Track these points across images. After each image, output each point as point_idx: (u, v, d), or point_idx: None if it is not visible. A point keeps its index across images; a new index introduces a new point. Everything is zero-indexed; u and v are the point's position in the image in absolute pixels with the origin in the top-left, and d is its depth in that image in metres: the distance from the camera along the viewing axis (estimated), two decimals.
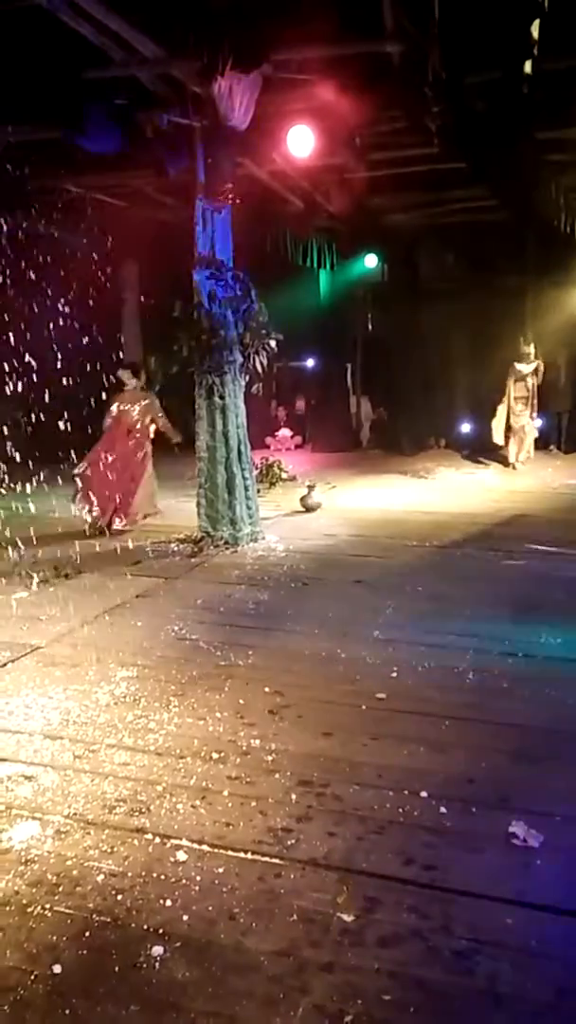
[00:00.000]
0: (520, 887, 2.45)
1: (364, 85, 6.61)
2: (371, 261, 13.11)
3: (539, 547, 6.83)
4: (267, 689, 3.92)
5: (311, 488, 8.80)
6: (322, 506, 8.72)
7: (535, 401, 11.89)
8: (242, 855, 2.61)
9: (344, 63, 6.51)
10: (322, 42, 6.21)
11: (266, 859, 2.59)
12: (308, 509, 8.61)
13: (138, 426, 7.82)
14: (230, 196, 6.83)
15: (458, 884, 2.47)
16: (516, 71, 5.40)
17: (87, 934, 2.25)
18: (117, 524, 7.53)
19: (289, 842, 2.68)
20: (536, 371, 11.78)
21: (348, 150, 8.13)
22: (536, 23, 5.04)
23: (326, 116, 7.05)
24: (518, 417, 11.78)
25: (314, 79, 6.60)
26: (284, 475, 10.50)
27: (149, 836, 2.71)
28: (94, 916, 2.32)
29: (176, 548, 6.91)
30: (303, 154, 7.44)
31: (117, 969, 2.13)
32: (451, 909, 2.36)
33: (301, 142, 7.29)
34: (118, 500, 7.59)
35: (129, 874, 2.51)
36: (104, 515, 7.47)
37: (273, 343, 7.08)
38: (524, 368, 11.70)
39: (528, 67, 5.39)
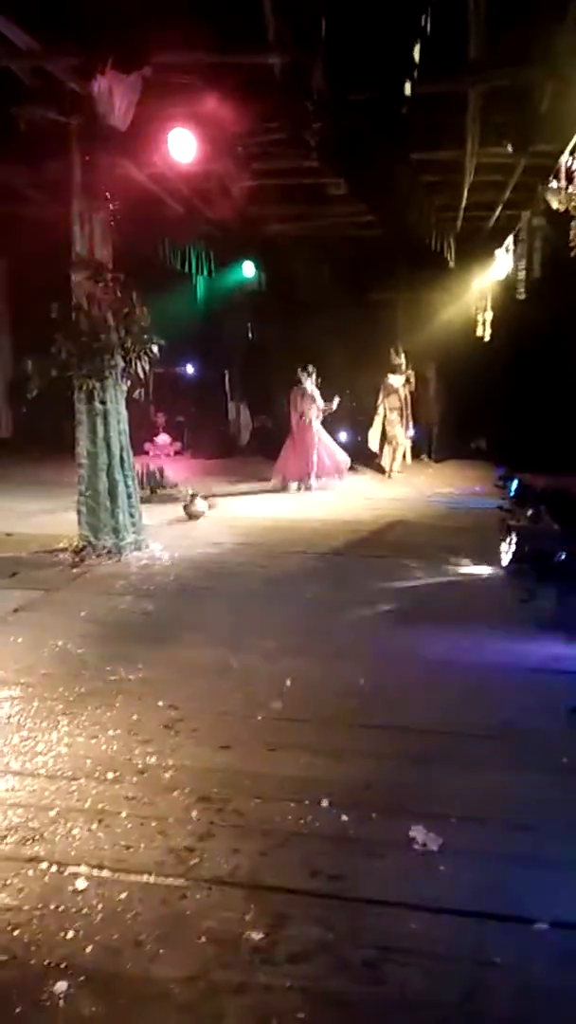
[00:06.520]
0: (423, 891, 2.50)
1: (246, 95, 6.60)
2: (248, 270, 13.17)
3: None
4: (160, 703, 3.83)
5: (194, 496, 8.71)
6: (205, 514, 8.65)
7: (408, 412, 12.29)
8: (144, 878, 2.53)
9: (227, 71, 6.49)
10: (203, 48, 6.17)
11: (169, 881, 2.52)
12: (191, 517, 8.52)
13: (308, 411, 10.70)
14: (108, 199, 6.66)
15: (363, 892, 2.49)
16: (396, 91, 5.54)
17: None
18: (312, 483, 10.59)
19: (192, 862, 2.62)
20: (408, 381, 12.19)
21: (229, 158, 8.11)
22: (418, 46, 5.17)
23: (208, 122, 7.00)
24: (392, 426, 12.14)
25: (196, 85, 6.55)
26: (165, 482, 10.34)
27: (44, 865, 2.58)
28: None
29: (56, 558, 6.66)
30: (184, 159, 7.36)
31: (19, 1010, 2.01)
32: (358, 919, 2.37)
33: (182, 146, 7.20)
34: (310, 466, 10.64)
35: (25, 907, 2.38)
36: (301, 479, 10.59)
37: (155, 348, 6.95)
38: (395, 381, 12.09)
39: (408, 88, 5.53)
